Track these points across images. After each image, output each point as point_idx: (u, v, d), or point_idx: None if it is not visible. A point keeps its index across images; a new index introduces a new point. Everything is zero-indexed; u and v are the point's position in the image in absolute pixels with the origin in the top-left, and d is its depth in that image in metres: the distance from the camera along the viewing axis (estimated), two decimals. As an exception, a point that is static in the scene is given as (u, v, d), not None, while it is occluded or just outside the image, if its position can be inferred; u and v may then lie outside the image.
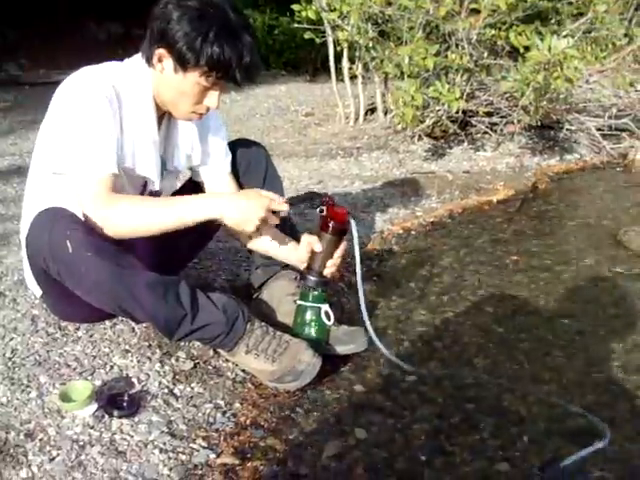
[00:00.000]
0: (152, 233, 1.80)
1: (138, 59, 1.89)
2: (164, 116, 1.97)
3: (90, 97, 1.77)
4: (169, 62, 1.79)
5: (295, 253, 2.06)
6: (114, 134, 1.79)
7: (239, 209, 1.80)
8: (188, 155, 2.07)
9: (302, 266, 2.03)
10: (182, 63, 1.77)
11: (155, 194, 2.04)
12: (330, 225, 1.93)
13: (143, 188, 1.99)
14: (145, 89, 1.87)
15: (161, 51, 1.78)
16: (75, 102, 1.78)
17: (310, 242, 1.98)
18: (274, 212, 1.84)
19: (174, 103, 1.87)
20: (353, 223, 1.94)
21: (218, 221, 1.83)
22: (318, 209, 1.93)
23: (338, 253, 1.98)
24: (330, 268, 1.98)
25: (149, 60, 1.83)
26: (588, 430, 1.74)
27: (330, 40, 5.06)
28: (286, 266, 2.21)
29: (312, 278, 1.98)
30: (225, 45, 1.73)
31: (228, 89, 1.87)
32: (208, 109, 1.89)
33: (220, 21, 1.75)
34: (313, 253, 1.97)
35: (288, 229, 2.18)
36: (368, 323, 1.98)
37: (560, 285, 2.63)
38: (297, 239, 2.09)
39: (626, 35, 5.13)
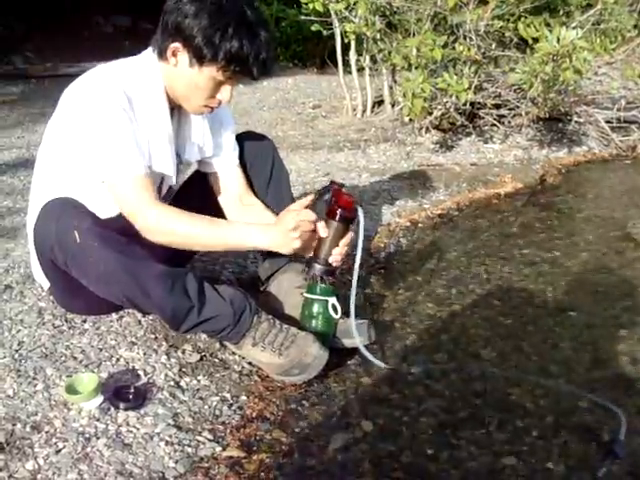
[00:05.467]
0: (195, 249, 2.03)
1: (147, 54, 1.89)
2: (175, 109, 1.97)
3: (106, 112, 1.77)
4: (184, 56, 1.79)
5: None
6: (134, 139, 1.80)
7: (276, 238, 1.88)
8: (200, 147, 2.07)
9: (309, 253, 2.02)
10: (199, 58, 1.77)
11: (171, 189, 2.06)
12: (337, 212, 1.92)
13: (160, 184, 2.00)
14: (157, 86, 1.87)
15: (176, 45, 1.78)
16: (92, 119, 1.78)
17: (317, 228, 1.97)
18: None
19: (187, 97, 1.87)
20: (361, 212, 1.93)
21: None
22: (325, 196, 1.92)
23: (344, 241, 1.96)
24: (336, 256, 1.97)
25: (162, 54, 1.83)
26: (595, 423, 1.73)
27: (337, 32, 5.03)
28: (293, 259, 2.21)
29: (318, 266, 1.97)
30: (244, 40, 1.74)
31: (239, 81, 1.87)
32: (220, 103, 1.90)
33: (238, 16, 1.75)
34: (319, 240, 1.96)
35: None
36: (352, 314, 1.97)
37: (568, 278, 2.62)
38: None
39: (635, 26, 5.11)
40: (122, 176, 1.80)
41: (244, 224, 1.95)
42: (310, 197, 1.92)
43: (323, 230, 1.93)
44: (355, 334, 1.96)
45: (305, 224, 1.86)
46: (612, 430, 1.69)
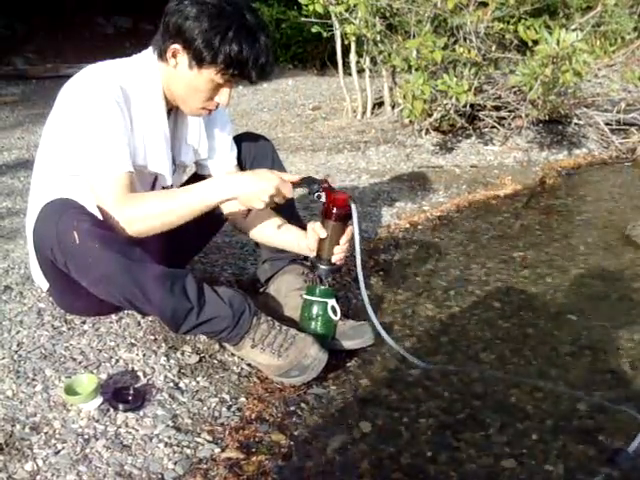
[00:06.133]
0: (176, 225, 1.83)
1: (147, 54, 1.90)
2: (172, 111, 1.97)
3: (98, 102, 1.77)
4: (184, 58, 1.80)
5: (304, 242, 2.05)
6: (125, 134, 1.80)
7: (250, 186, 1.81)
8: (195, 149, 2.07)
9: (312, 254, 2.02)
10: (198, 60, 1.77)
11: (165, 189, 2.05)
12: (333, 212, 1.92)
13: (153, 184, 2.00)
14: (155, 85, 1.87)
15: (176, 47, 1.79)
16: (84, 107, 1.78)
17: (315, 229, 1.97)
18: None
19: (185, 99, 1.88)
20: (354, 207, 1.93)
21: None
22: (316, 195, 1.91)
23: (344, 239, 1.97)
24: (338, 254, 1.97)
25: (162, 55, 1.83)
26: (595, 427, 1.73)
27: (337, 34, 5.04)
28: (293, 260, 2.21)
29: (323, 267, 1.97)
30: (243, 44, 1.74)
31: (237, 84, 1.88)
32: (218, 106, 1.90)
33: (238, 20, 1.76)
34: (320, 241, 1.96)
35: (295, 220, 2.17)
36: (370, 310, 1.95)
37: (567, 280, 2.62)
38: (303, 228, 2.09)
39: (635, 29, 5.11)
40: (103, 175, 1.78)
41: (207, 181, 1.90)
42: (298, 177, 1.90)
43: (322, 231, 1.93)
44: (373, 318, 1.94)
45: (280, 197, 1.84)
46: (617, 432, 1.69)
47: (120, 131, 1.79)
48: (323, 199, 1.92)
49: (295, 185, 1.88)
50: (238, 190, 1.81)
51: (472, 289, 2.55)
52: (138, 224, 1.79)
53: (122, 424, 1.64)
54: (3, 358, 1.87)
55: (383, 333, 1.96)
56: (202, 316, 1.78)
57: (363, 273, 1.95)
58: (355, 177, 3.82)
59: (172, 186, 2.07)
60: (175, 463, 1.53)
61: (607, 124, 4.58)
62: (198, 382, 1.84)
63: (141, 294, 1.74)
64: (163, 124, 1.92)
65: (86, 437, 1.59)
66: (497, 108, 4.53)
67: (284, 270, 2.21)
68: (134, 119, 1.84)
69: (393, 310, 2.37)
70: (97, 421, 1.64)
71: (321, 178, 1.96)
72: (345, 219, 1.95)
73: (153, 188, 2.01)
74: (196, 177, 2.21)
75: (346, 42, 4.93)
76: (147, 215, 1.79)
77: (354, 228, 1.93)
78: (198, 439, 1.62)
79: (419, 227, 3.21)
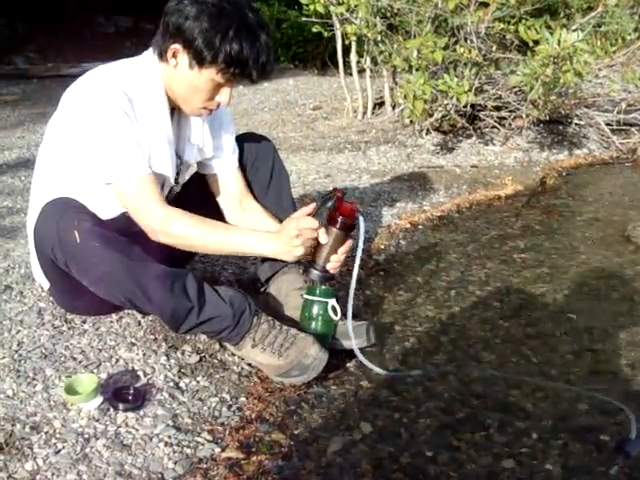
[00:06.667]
0: (197, 251, 2.03)
1: (148, 55, 1.89)
2: (174, 110, 1.97)
3: (106, 114, 1.78)
4: (184, 58, 1.79)
5: None
6: (136, 141, 1.81)
7: (277, 245, 1.89)
8: (200, 148, 2.07)
9: (307, 258, 2.02)
10: (199, 60, 1.77)
11: (172, 190, 2.06)
12: (338, 220, 1.92)
13: (162, 185, 2.00)
14: (157, 87, 1.87)
15: (176, 47, 1.79)
16: (92, 121, 1.79)
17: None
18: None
19: (186, 98, 1.88)
20: (362, 220, 1.93)
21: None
22: (328, 203, 1.92)
23: (343, 249, 1.96)
24: (334, 264, 1.97)
25: (162, 55, 1.83)
26: (595, 425, 1.73)
27: (338, 34, 5.04)
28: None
29: (315, 272, 1.97)
30: (244, 43, 1.74)
31: (238, 83, 1.88)
32: (219, 105, 1.90)
33: (239, 19, 1.75)
34: (318, 246, 1.96)
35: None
36: (350, 323, 1.95)
37: (568, 280, 2.62)
38: None
39: (636, 29, 5.12)
40: (126, 178, 1.80)
41: (248, 231, 1.96)
42: (313, 205, 1.92)
43: (323, 236, 1.93)
44: (352, 336, 1.95)
45: (307, 232, 1.86)
46: (618, 431, 1.69)
47: (132, 138, 1.80)
48: (334, 206, 1.92)
49: (313, 213, 1.89)
50: (272, 252, 1.91)
51: (472, 289, 2.55)
52: (167, 238, 1.84)
53: (122, 424, 1.64)
54: (3, 357, 1.88)
55: (359, 355, 1.95)
56: (202, 315, 1.78)
57: (359, 277, 1.97)
58: (356, 177, 3.82)
59: (178, 186, 2.09)
60: (175, 463, 1.53)
61: (608, 124, 4.58)
62: (198, 382, 1.84)
63: (142, 293, 1.74)
64: (167, 125, 1.92)
65: (86, 436, 1.59)
66: (498, 108, 4.53)
67: (284, 270, 2.21)
68: (139, 123, 1.84)
69: (393, 310, 2.37)
70: (97, 420, 1.65)
71: (333, 188, 1.96)
72: (349, 229, 1.94)
73: (162, 189, 2.02)
74: (198, 177, 2.21)
75: (347, 42, 4.93)
76: (181, 235, 1.85)
77: (359, 240, 1.93)
78: (198, 439, 1.62)
79: (419, 227, 3.21)
